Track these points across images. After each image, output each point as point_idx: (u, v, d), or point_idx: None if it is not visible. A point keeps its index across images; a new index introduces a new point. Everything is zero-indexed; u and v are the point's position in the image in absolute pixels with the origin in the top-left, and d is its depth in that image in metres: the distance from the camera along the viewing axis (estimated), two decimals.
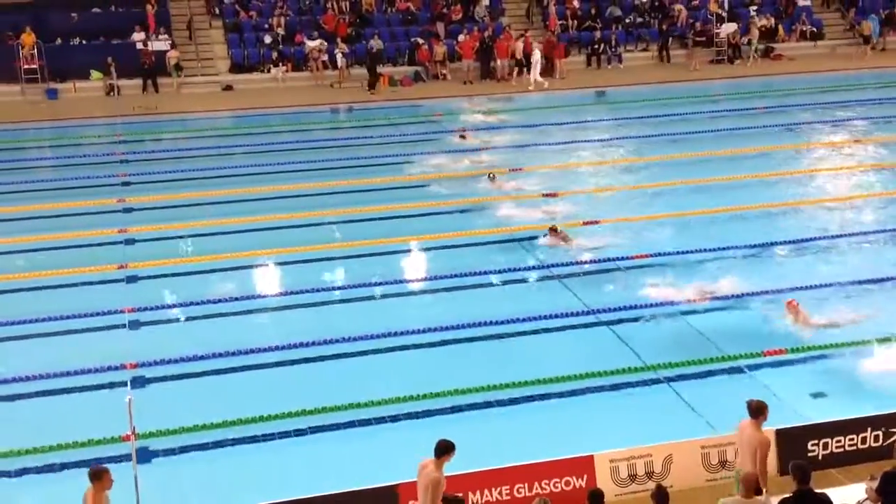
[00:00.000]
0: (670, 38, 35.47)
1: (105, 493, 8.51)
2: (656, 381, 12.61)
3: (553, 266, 16.61)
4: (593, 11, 36.17)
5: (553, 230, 17.68)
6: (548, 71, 33.68)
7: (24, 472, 10.79)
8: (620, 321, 14.37)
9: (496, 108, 29.73)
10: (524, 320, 14.34)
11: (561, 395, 12.27)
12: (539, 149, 24.50)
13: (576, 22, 36.08)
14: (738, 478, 9.03)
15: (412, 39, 34.28)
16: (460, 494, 9.51)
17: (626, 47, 35.57)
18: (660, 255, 16.85)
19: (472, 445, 9.97)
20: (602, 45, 35.27)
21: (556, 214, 19.16)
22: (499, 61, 33.60)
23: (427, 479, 8.77)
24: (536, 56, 32.33)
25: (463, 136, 25.40)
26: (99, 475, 8.47)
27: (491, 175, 21.59)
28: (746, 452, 9.15)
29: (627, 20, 36.33)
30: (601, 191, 21.17)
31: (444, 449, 8.85)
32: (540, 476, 9.86)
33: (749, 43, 35.52)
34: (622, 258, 16.77)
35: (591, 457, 10.06)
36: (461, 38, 34.05)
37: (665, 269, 16.25)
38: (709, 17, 36.03)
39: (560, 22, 35.85)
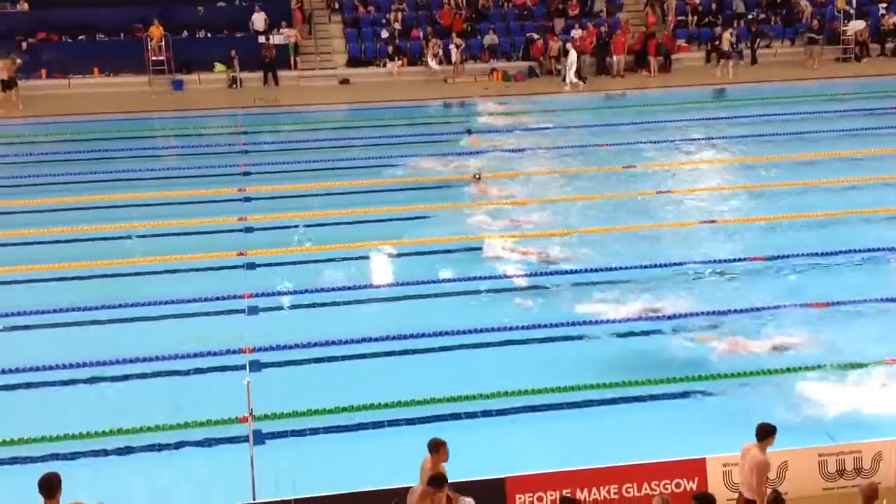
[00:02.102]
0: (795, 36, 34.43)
1: (441, 465, 8.79)
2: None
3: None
4: (714, 7, 35.38)
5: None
6: (664, 67, 33.20)
7: (151, 448, 11.19)
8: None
9: (611, 104, 29.40)
10: None
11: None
12: (656, 146, 24.13)
13: (696, 18, 35.38)
14: None
15: (527, 34, 34.19)
16: (567, 491, 9.49)
17: (747, 44, 34.62)
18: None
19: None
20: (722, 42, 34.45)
21: (686, 211, 19.07)
22: (615, 57, 33.21)
23: (753, 462, 8.71)
24: (573, 57, 31.70)
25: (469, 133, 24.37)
26: (437, 447, 8.84)
27: (476, 175, 20.95)
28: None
29: (750, 16, 35.38)
30: (717, 189, 20.74)
31: (767, 432, 8.78)
32: (650, 476, 9.74)
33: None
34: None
35: (704, 460, 9.89)
36: (575, 33, 33.79)
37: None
38: (836, 14, 34.80)
39: (679, 17, 35.22)
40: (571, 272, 16.13)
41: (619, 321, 14.21)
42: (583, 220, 18.84)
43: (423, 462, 8.96)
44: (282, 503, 9.38)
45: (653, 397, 12.21)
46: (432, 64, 32.69)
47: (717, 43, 34.31)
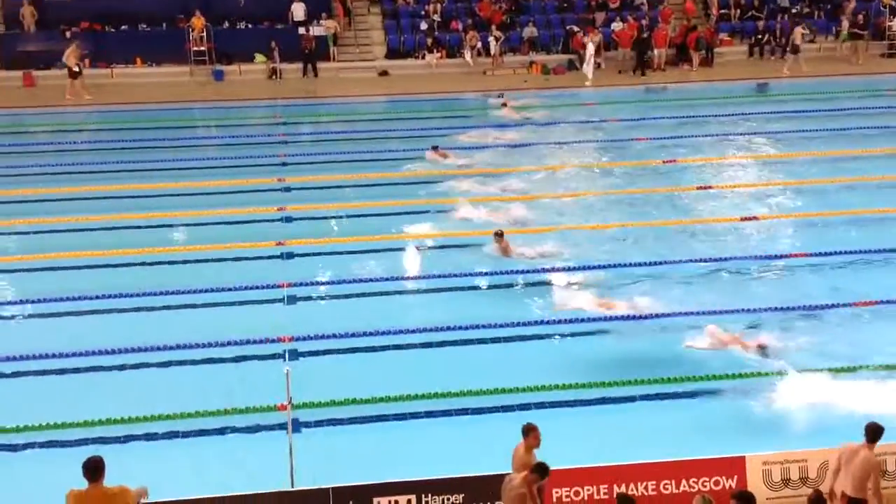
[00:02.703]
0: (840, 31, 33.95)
1: (533, 451, 8.82)
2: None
3: None
4: (757, 2, 34.98)
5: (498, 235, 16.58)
6: (706, 61, 32.91)
7: (191, 433, 11.31)
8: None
9: (651, 98, 29.20)
10: None
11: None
12: (697, 141, 23.92)
13: (739, 11, 35.01)
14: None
15: (567, 27, 34.02)
16: (604, 487, 9.46)
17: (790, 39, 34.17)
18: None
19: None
20: (765, 36, 34.09)
21: (726, 206, 18.92)
22: (656, 51, 32.95)
23: (869, 464, 8.70)
24: (591, 50, 31.40)
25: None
26: (527, 431, 8.90)
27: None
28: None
29: (794, 10, 34.93)
30: (758, 185, 20.55)
31: (879, 432, 8.79)
32: (689, 473, 9.68)
33: None
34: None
35: (743, 458, 9.81)
36: (616, 25, 33.59)
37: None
38: (881, 9, 34.25)
39: (722, 10, 34.88)
40: (603, 267, 16.01)
41: (651, 317, 14.07)
42: (618, 215, 18.74)
43: (516, 447, 8.91)
44: (319, 491, 9.44)
45: (686, 395, 12.10)
46: (467, 57, 32.65)
47: (759, 37, 33.98)
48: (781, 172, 21.62)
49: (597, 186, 20.81)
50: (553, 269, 15.96)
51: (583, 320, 14.06)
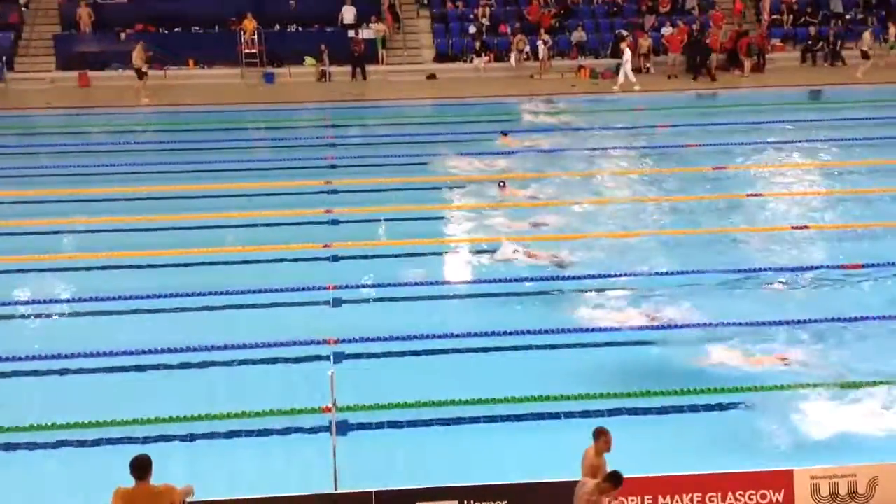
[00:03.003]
0: None
1: (603, 455, 8.70)
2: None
3: None
4: (810, 8, 34.49)
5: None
6: (758, 67, 32.55)
7: (235, 434, 11.42)
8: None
9: (701, 104, 28.94)
10: None
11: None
12: (747, 148, 23.66)
13: (791, 17, 34.55)
14: None
15: (616, 31, 33.84)
16: (649, 498, 9.38)
17: (845, 45, 33.66)
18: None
19: None
20: (818, 42, 33.60)
21: (777, 215, 18.83)
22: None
23: None
24: (627, 55, 31.03)
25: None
26: (597, 435, 8.74)
27: (501, 183, 20.12)
28: None
29: (848, 16, 34.40)
30: (810, 193, 20.28)
31: None
32: (735, 486, 9.56)
33: None
34: None
35: (791, 472, 9.66)
36: (665, 30, 33.33)
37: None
38: None
39: (774, 16, 34.46)
40: (648, 275, 15.87)
41: (692, 326, 13.88)
42: (665, 222, 18.60)
43: (586, 450, 8.85)
44: (362, 494, 9.48)
45: (723, 406, 11.96)
46: (512, 60, 32.61)
47: (812, 43, 33.51)
48: (833, 181, 21.30)
49: (644, 192, 20.67)
50: (597, 277, 15.85)
51: (624, 329, 13.93)
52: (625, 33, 33.36)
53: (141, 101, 29.66)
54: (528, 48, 33.06)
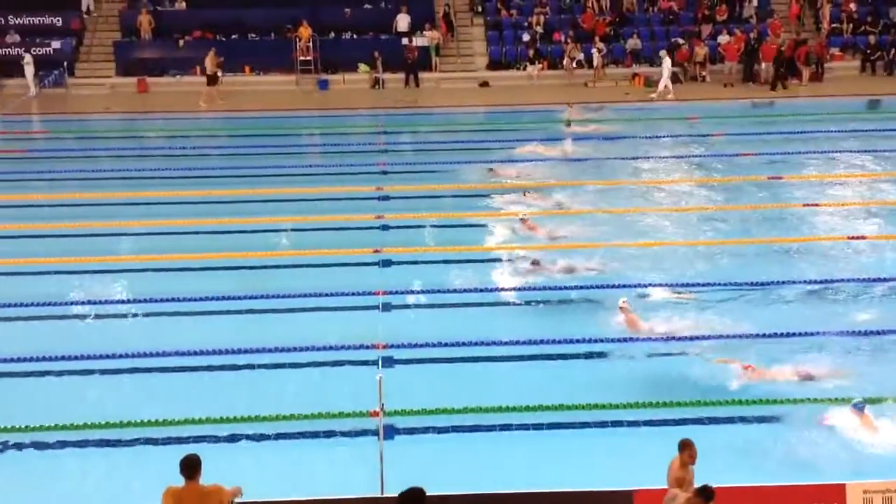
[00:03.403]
0: None
1: (690, 466, 8.65)
2: None
3: None
4: (870, 17, 33.89)
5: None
6: (816, 76, 32.07)
7: (283, 436, 11.51)
8: None
9: (757, 112, 28.58)
10: None
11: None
12: (804, 158, 23.30)
13: (851, 25, 33.98)
14: None
15: (672, 39, 33.58)
16: None
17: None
18: None
19: None
20: (878, 51, 32.99)
21: (833, 225, 18.55)
22: (763, 64, 32.23)
23: None
24: (667, 63, 30.63)
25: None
26: (682, 447, 8.71)
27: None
28: None
29: None
30: (868, 203, 19.92)
31: None
32: (784, 499, 9.39)
33: None
34: None
35: (843, 485, 9.47)
36: (722, 38, 32.98)
37: None
38: None
39: (833, 25, 33.93)
40: (703, 285, 15.68)
41: (741, 337, 13.68)
42: (719, 232, 18.38)
43: (672, 462, 8.79)
44: None
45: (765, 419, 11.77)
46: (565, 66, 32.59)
47: (871, 52, 32.93)
48: (891, 191, 20.87)
49: (699, 202, 20.47)
50: (651, 285, 15.71)
51: (676, 339, 13.77)
52: (681, 41, 33.11)
53: (215, 105, 30.14)
54: (582, 56, 32.94)
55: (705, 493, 8.10)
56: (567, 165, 22.97)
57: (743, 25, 33.71)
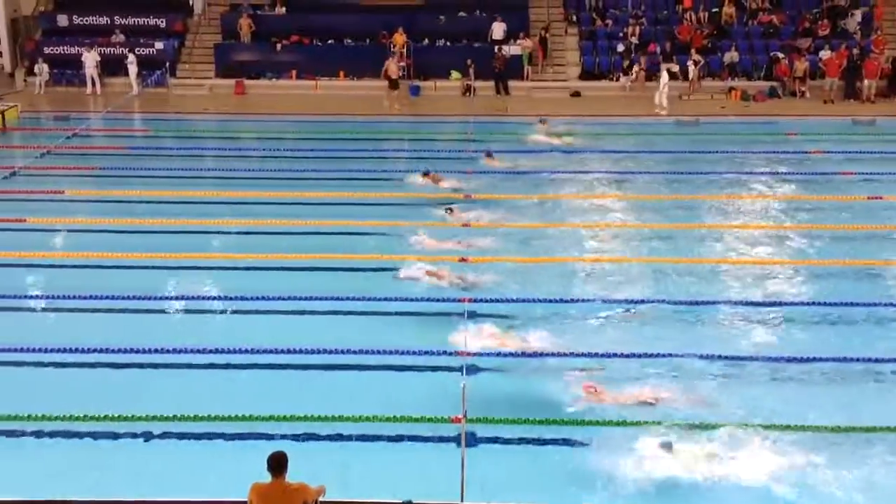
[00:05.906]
0: None
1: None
2: None
3: None
4: None
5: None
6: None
7: (364, 437, 11.58)
8: None
9: (858, 131, 27.77)
10: None
11: None
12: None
13: None
14: None
15: (771, 53, 32.87)
16: None
17: None
18: None
19: None
20: None
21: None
22: (865, 81, 31.32)
23: None
24: (665, 78, 29.92)
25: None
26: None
27: (448, 209, 19.47)
28: None
29: None
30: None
31: None
32: None
33: None
34: None
35: None
36: (823, 53, 32.14)
37: None
38: None
39: None
40: (799, 304, 15.33)
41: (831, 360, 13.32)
42: (815, 251, 17.93)
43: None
44: None
45: None
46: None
47: None
48: None
49: (794, 220, 19.99)
50: (739, 303, 15.43)
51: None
52: (780, 55, 32.41)
53: (392, 110, 30.84)
54: (678, 68, 32.47)
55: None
56: (646, 180, 22.64)
57: (846, 41, 32.80)
